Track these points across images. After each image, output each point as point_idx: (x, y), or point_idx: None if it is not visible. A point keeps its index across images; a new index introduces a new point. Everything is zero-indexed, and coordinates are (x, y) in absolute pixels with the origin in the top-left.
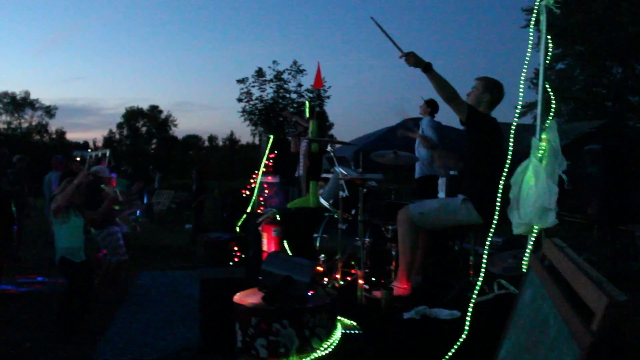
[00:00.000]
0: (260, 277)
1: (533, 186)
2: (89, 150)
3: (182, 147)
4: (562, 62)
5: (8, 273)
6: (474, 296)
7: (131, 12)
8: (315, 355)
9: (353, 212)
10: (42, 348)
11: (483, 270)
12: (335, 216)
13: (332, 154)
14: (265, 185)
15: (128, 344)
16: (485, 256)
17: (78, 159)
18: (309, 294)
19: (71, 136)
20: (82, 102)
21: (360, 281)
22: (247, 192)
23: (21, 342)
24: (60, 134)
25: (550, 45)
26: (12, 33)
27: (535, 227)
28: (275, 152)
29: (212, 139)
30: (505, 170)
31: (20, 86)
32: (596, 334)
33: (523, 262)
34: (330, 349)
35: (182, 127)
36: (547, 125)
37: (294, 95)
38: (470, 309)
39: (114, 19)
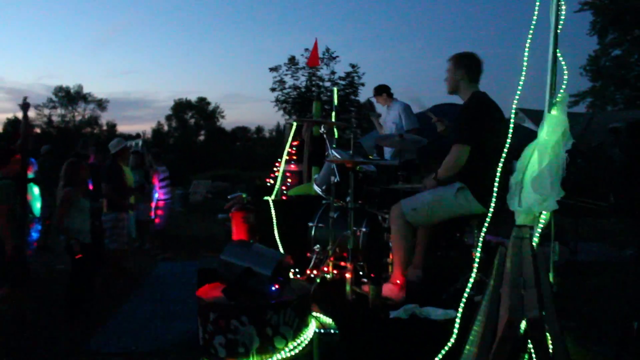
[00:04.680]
0: (219, 269)
1: (536, 170)
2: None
3: (230, 138)
4: (619, 48)
5: None
6: (466, 294)
7: (180, 6)
8: (279, 356)
9: (348, 199)
10: (41, 336)
11: (476, 264)
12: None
13: (324, 135)
14: (287, 174)
15: (125, 335)
16: (479, 249)
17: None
18: (273, 288)
19: (122, 128)
20: (135, 96)
21: (347, 275)
22: (271, 181)
23: (23, 330)
24: (111, 126)
25: (563, 6)
26: (67, 30)
27: (539, 215)
28: (299, 139)
29: (259, 130)
30: (505, 151)
31: (74, 81)
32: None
33: None
34: (297, 350)
35: (231, 119)
36: (558, 99)
37: (327, 84)
38: (460, 309)
39: (165, 13)
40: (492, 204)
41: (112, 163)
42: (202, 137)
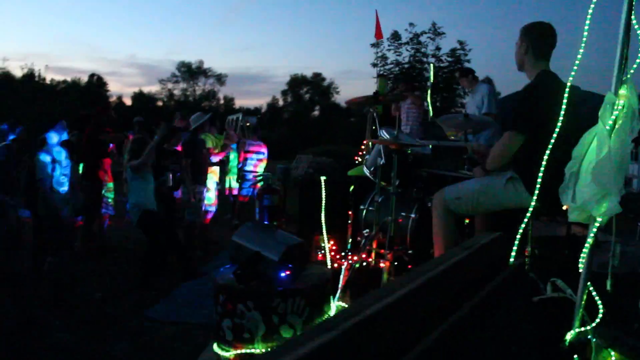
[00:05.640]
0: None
1: (594, 161)
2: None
3: (345, 114)
4: None
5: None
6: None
7: None
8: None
9: (397, 182)
10: (108, 299)
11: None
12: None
13: (374, 114)
14: None
15: (184, 307)
16: (515, 247)
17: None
18: (282, 275)
19: (240, 102)
20: (254, 71)
21: (382, 264)
22: (359, 159)
23: (93, 292)
24: (229, 100)
25: None
26: (194, 8)
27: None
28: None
29: None
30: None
31: (198, 56)
32: None
33: (580, 262)
34: None
35: (346, 95)
36: (628, 77)
37: (432, 59)
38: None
39: None
40: (535, 196)
41: (192, 137)
42: (316, 113)
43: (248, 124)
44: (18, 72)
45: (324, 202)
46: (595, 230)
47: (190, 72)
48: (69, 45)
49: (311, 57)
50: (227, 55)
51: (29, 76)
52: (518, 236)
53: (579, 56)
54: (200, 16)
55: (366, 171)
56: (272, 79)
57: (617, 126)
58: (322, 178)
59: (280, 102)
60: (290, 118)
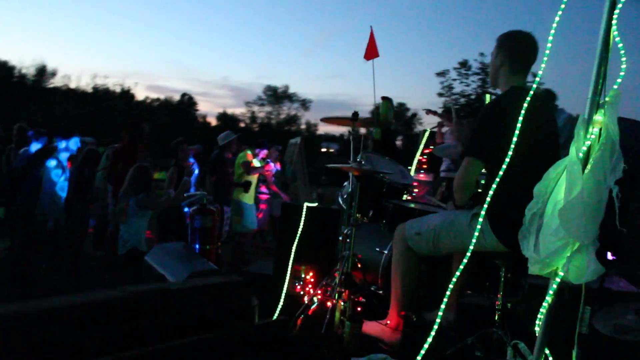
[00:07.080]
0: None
1: (561, 202)
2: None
3: (426, 143)
4: None
5: None
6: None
7: (390, 14)
8: None
9: (370, 213)
10: None
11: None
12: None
13: (350, 137)
14: (415, 184)
15: None
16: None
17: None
18: None
19: (323, 129)
20: (341, 98)
21: (329, 304)
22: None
23: None
24: (312, 125)
25: None
26: (285, 35)
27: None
28: (432, 147)
29: None
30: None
31: (288, 81)
32: None
33: (537, 324)
34: None
35: (430, 125)
36: (607, 100)
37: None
38: None
39: (376, 20)
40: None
41: (218, 155)
42: (398, 142)
43: (331, 150)
44: (115, 89)
45: (300, 230)
46: (555, 287)
47: (276, 96)
48: (167, 66)
49: (398, 87)
50: (316, 81)
51: (122, 93)
52: (451, 285)
53: (540, 72)
54: (292, 42)
55: (340, 200)
56: (358, 107)
57: (591, 160)
58: (305, 205)
59: (362, 130)
60: (372, 147)
